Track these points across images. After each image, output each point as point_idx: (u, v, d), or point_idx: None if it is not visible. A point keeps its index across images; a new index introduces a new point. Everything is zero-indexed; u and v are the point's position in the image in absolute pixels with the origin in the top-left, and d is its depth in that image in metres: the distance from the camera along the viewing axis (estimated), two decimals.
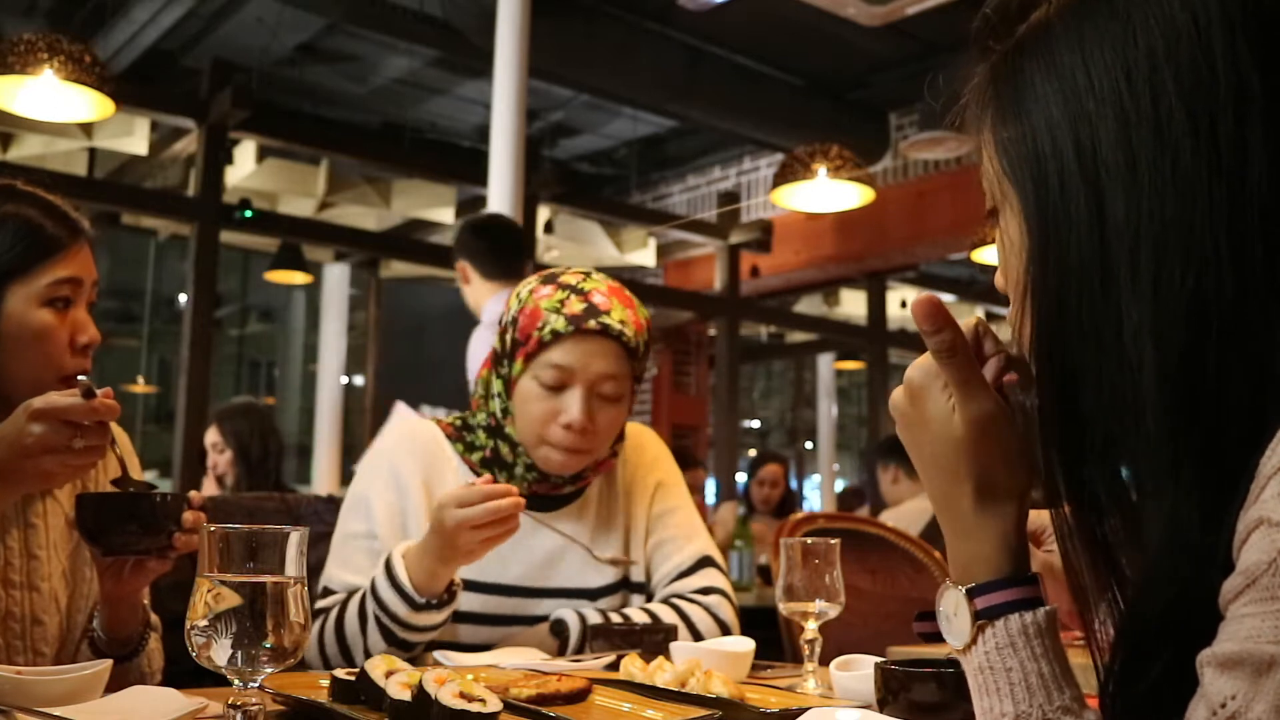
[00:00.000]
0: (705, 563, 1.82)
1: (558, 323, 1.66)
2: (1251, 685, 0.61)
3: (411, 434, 1.79)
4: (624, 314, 1.69)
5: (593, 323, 1.65)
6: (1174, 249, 0.69)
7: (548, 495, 1.77)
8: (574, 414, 1.65)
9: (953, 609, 0.79)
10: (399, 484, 1.73)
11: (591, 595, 1.75)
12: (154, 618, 1.53)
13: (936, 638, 0.81)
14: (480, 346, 3.36)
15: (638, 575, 1.82)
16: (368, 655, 1.57)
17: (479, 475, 1.76)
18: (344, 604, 1.64)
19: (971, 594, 0.78)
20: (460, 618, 1.69)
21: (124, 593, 1.37)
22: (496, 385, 1.75)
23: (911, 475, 4.57)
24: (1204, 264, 0.68)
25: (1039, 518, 1.00)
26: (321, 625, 1.64)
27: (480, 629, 1.69)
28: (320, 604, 1.68)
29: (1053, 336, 0.74)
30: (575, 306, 1.67)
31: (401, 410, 3.37)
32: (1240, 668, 0.62)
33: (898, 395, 0.85)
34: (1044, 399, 0.76)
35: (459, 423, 1.81)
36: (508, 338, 1.72)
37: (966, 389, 0.80)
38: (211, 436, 4.23)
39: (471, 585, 1.69)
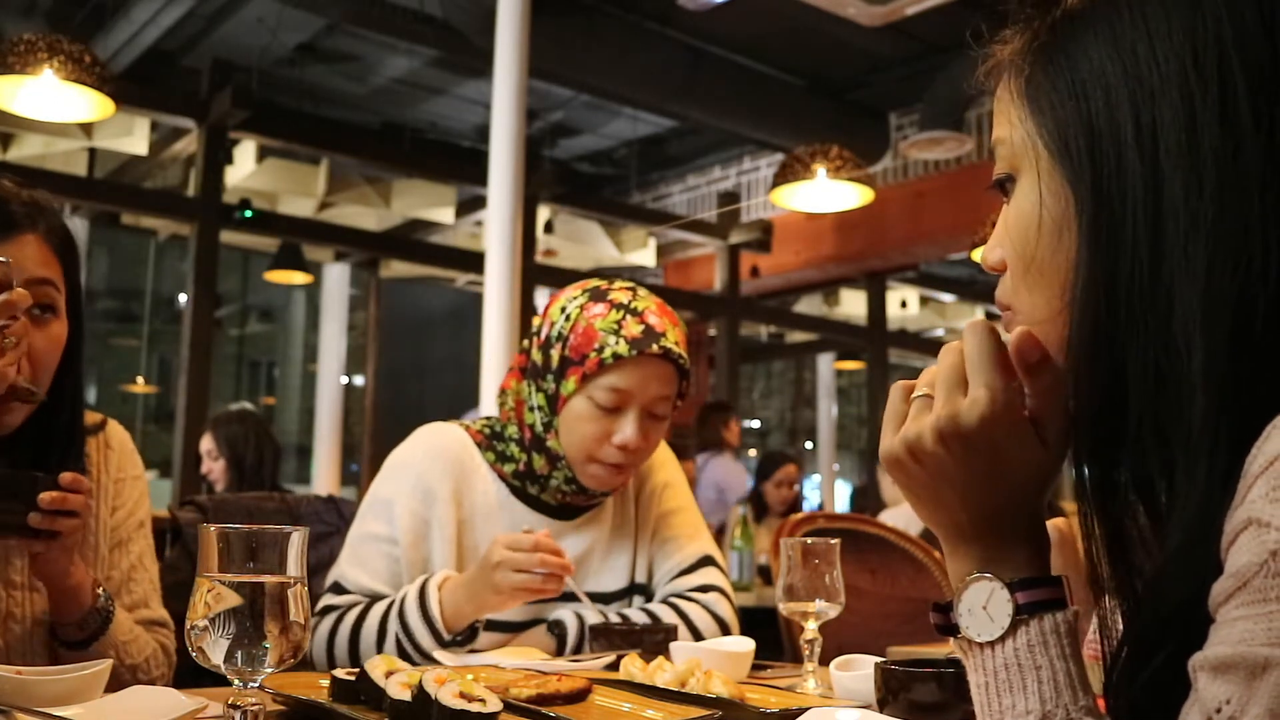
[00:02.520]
0: (705, 561, 1.83)
1: (619, 346, 1.65)
2: (1245, 689, 0.60)
3: (442, 443, 1.77)
4: (676, 334, 1.70)
5: (654, 346, 1.65)
6: (1229, 239, 0.68)
7: (575, 505, 1.77)
8: (629, 435, 1.66)
9: (983, 601, 0.76)
10: (426, 493, 1.71)
11: (605, 600, 1.75)
12: (163, 613, 1.53)
13: (949, 630, 0.79)
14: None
15: (641, 576, 1.83)
16: None
17: (509, 486, 1.76)
18: (364, 613, 1.63)
19: (1014, 588, 0.75)
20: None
21: (41, 576, 1.36)
22: (537, 399, 1.72)
23: None
24: (1254, 258, 0.67)
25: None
26: (334, 625, 1.64)
27: (497, 635, 1.69)
28: (332, 600, 1.67)
29: (1099, 319, 0.72)
30: (634, 329, 1.66)
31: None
32: (1234, 671, 0.61)
33: (960, 428, 0.75)
34: (1082, 386, 0.74)
35: (488, 430, 1.79)
36: (554, 353, 1.70)
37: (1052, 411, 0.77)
38: (206, 444, 4.30)
39: None
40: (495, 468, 1.76)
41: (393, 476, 1.75)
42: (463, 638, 1.59)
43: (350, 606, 1.65)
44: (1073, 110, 0.75)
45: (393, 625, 1.60)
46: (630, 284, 1.75)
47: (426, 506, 1.71)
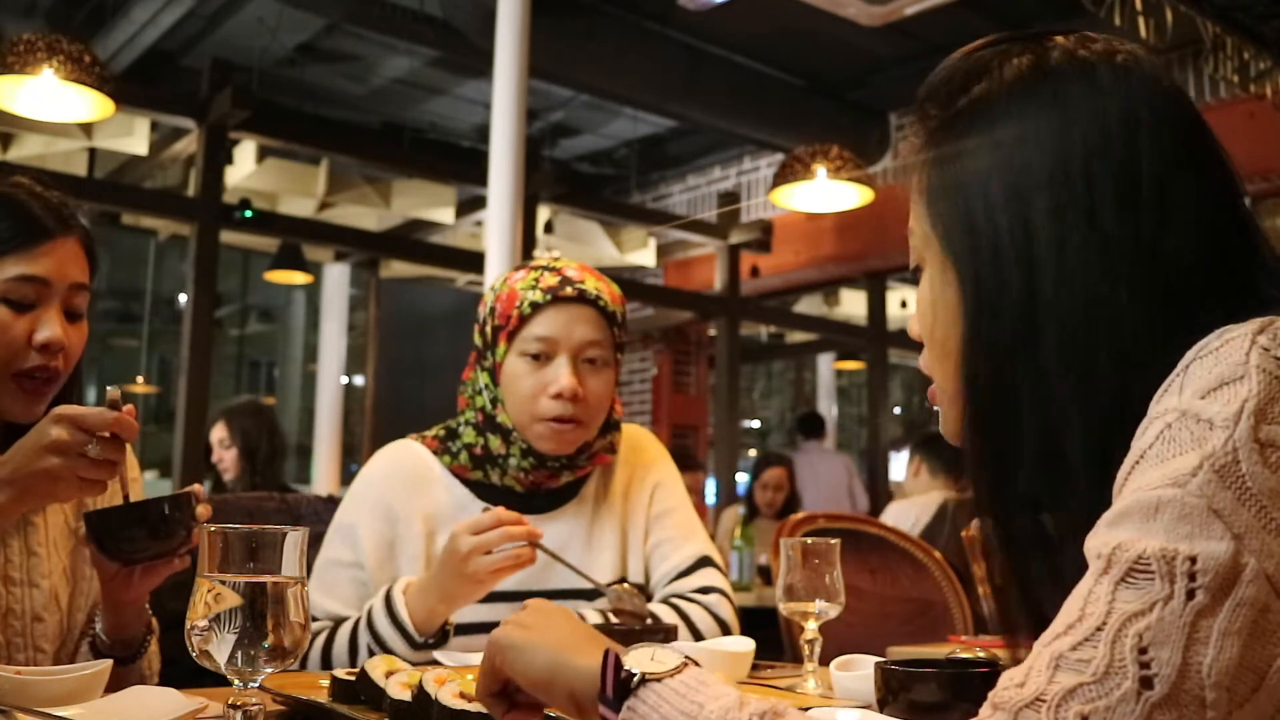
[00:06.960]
0: (704, 563, 1.82)
1: (535, 295, 1.70)
2: (1140, 529, 0.62)
3: (397, 459, 1.79)
4: (598, 284, 1.75)
5: (569, 289, 1.70)
6: (1101, 329, 0.73)
7: (546, 492, 1.77)
8: (563, 382, 1.68)
9: (650, 654, 0.80)
10: (389, 514, 1.72)
11: (589, 595, 1.75)
12: (152, 620, 1.53)
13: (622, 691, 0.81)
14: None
15: (636, 575, 1.82)
16: None
17: (467, 484, 1.76)
18: (331, 634, 1.64)
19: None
20: (459, 630, 1.68)
21: (134, 596, 1.36)
22: (483, 379, 1.76)
23: (934, 471, 4.54)
24: (1126, 347, 0.72)
25: None
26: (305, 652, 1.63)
27: (477, 639, 1.69)
28: None
29: (984, 398, 0.78)
30: (550, 280, 1.72)
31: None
32: (1127, 518, 0.63)
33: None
34: (977, 456, 0.80)
35: (443, 433, 1.81)
36: (488, 328, 1.75)
37: None
38: (218, 433, 4.27)
39: None
40: (454, 469, 1.77)
41: (354, 502, 1.76)
42: (435, 640, 1.58)
43: (319, 632, 1.65)
44: (956, 209, 0.80)
45: (363, 638, 1.60)
46: (556, 256, 1.83)
47: (390, 526, 1.72)
